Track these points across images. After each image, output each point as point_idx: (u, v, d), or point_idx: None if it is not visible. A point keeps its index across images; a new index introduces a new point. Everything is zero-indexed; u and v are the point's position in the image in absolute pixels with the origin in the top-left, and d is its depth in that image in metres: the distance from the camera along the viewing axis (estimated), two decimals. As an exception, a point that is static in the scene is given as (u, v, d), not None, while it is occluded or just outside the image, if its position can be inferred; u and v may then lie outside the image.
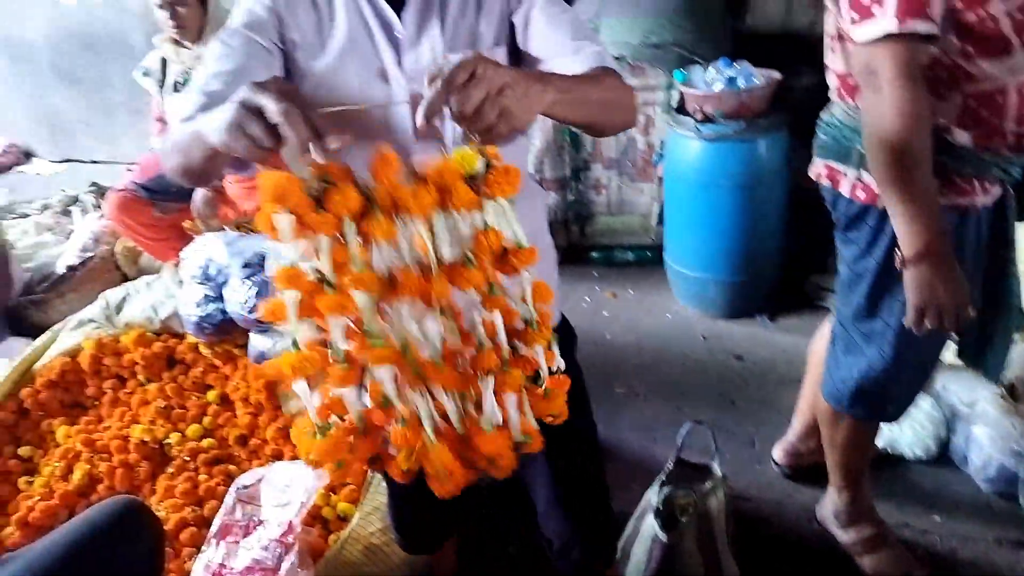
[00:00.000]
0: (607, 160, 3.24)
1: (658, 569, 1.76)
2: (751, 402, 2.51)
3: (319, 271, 0.81)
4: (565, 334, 1.40)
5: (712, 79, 2.61)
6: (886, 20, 1.22)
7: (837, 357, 1.75)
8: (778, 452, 2.23)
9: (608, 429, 2.38)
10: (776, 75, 2.64)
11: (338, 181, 0.80)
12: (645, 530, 1.82)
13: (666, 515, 1.77)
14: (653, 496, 1.83)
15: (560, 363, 0.98)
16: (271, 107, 0.78)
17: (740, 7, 3.06)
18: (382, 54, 1.15)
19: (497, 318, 0.89)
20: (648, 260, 3.35)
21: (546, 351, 0.94)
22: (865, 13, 1.26)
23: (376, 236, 0.81)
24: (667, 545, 1.74)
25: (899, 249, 1.37)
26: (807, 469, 2.17)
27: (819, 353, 1.95)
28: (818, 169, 1.64)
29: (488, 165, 0.85)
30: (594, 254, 3.44)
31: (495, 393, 0.88)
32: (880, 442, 2.21)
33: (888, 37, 1.23)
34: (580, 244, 3.41)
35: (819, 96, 2.98)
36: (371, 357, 0.83)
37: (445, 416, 0.89)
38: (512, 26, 1.19)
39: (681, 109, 2.76)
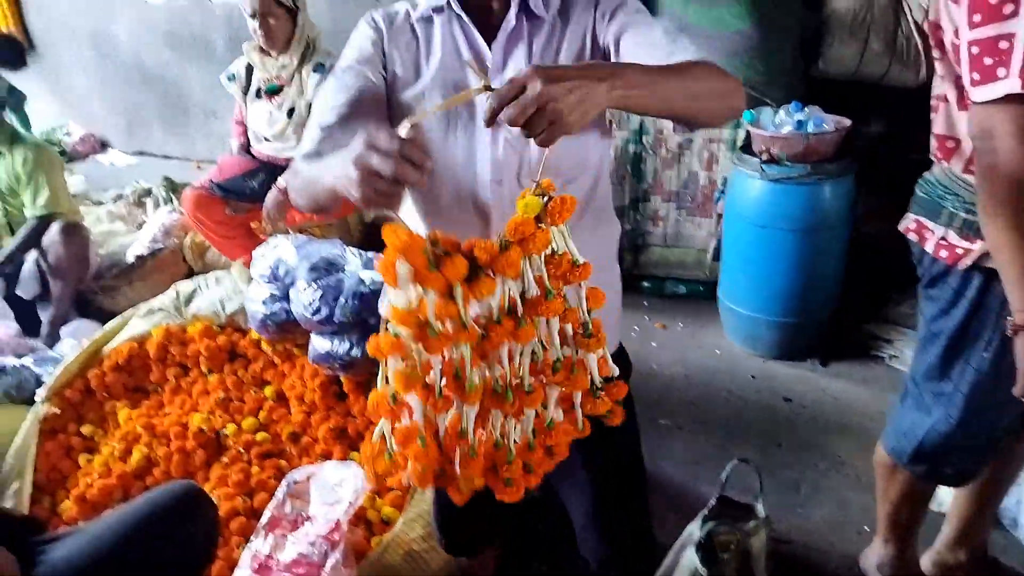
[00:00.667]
0: (667, 193, 3.27)
1: (696, 604, 1.77)
2: (798, 446, 2.49)
3: (425, 317, 0.91)
4: (622, 363, 1.43)
5: (781, 121, 2.63)
6: (1010, 80, 1.21)
7: (904, 411, 1.74)
8: (926, 563, 2.01)
9: (650, 460, 2.35)
10: (846, 122, 2.64)
11: (451, 251, 0.91)
12: (684, 563, 1.82)
13: (708, 550, 1.77)
14: (695, 530, 1.83)
15: (614, 370, 1.05)
16: (384, 166, 0.85)
17: (813, 52, 3.07)
18: (469, 81, 1.22)
19: (567, 328, 0.98)
20: (700, 294, 3.36)
21: (600, 359, 1.01)
22: (988, 74, 1.25)
23: (481, 294, 0.91)
24: (707, 581, 1.75)
25: (1009, 316, 1.34)
26: None
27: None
28: (908, 224, 1.65)
29: (547, 198, 0.92)
30: (645, 284, 3.46)
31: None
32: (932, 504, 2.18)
33: (1009, 97, 1.22)
34: (632, 273, 3.44)
35: (887, 145, 2.99)
36: (465, 399, 0.93)
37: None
38: (599, 46, 1.22)
39: (747, 148, 2.78)
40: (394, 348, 0.92)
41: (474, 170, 1.23)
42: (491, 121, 0.90)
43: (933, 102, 1.54)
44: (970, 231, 1.46)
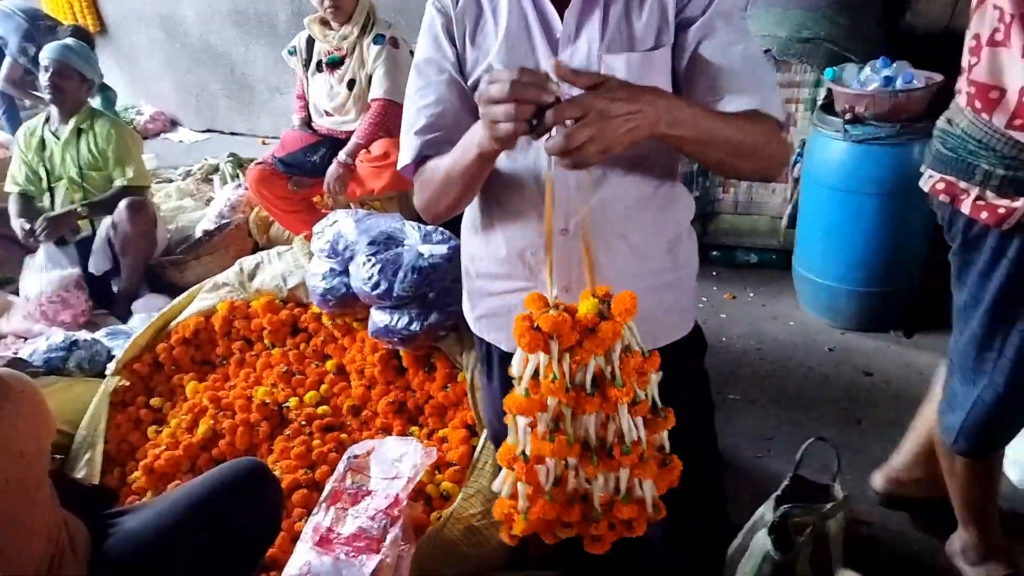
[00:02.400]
0: (738, 157, 3.11)
1: (769, 588, 1.68)
2: (880, 423, 2.35)
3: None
4: (696, 342, 1.36)
5: (867, 78, 2.45)
6: None
7: (949, 388, 1.64)
8: (878, 478, 2.07)
9: (721, 436, 2.26)
10: (937, 77, 2.44)
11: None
12: (756, 546, 1.73)
13: (781, 532, 1.68)
14: (768, 512, 1.75)
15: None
16: (505, 96, 0.89)
17: (900, 4, 2.85)
18: (538, 51, 1.15)
19: (638, 421, 1.04)
20: (772, 263, 3.21)
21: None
22: None
23: (580, 362, 1.01)
24: (779, 564, 1.66)
25: None
26: (905, 501, 2.03)
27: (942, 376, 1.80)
28: (934, 183, 1.51)
29: (606, 303, 1.00)
30: (714, 253, 3.32)
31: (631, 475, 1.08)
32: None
33: None
34: (700, 242, 3.28)
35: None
36: (565, 452, 1.04)
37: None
38: (677, 27, 1.13)
39: (827, 109, 2.61)
40: (523, 408, 1.02)
41: (538, 149, 1.16)
42: (540, 134, 0.91)
43: (971, 43, 1.38)
44: (1010, 188, 1.35)
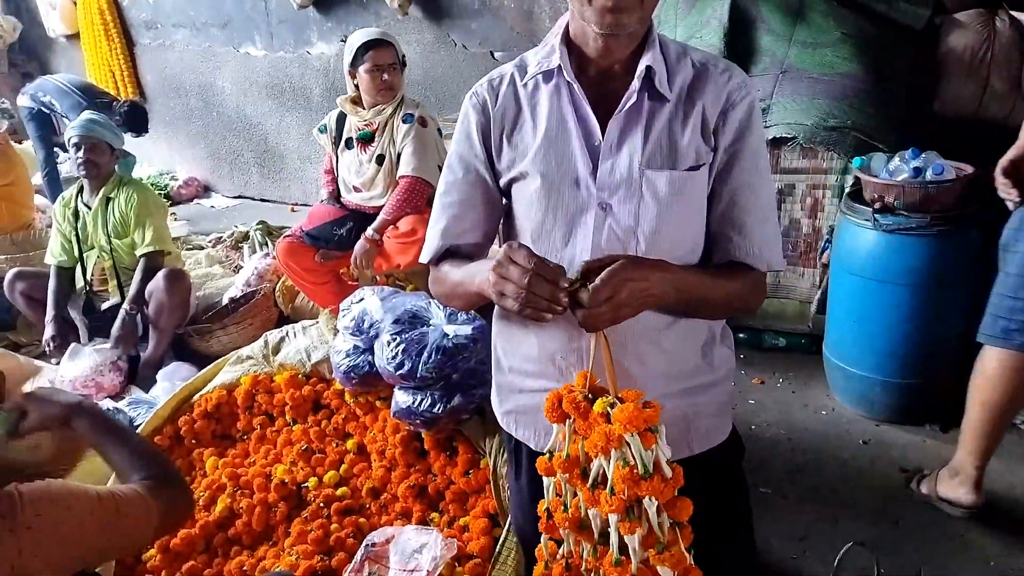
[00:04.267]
0: (766, 241, 3.09)
1: None
2: (917, 524, 2.24)
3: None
4: (734, 447, 1.31)
5: (896, 168, 2.44)
6: None
7: (997, 292, 2.03)
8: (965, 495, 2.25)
9: (751, 532, 2.20)
10: (967, 168, 2.43)
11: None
12: (793, 659, 1.64)
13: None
14: (806, 621, 1.66)
15: None
16: (518, 283, 0.99)
17: (928, 94, 2.87)
18: (576, 159, 1.14)
19: (631, 539, 1.02)
20: (801, 348, 3.15)
21: (677, 570, 1.03)
22: None
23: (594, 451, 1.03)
24: None
25: None
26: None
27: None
28: None
29: (612, 404, 1.01)
30: (742, 335, 3.27)
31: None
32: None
33: None
34: (727, 324, 3.25)
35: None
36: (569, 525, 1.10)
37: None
38: (712, 149, 1.15)
39: (856, 196, 2.59)
40: (548, 471, 1.10)
41: (572, 256, 1.15)
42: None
43: None
44: None
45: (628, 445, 0.98)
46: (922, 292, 2.43)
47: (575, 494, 1.09)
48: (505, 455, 2.02)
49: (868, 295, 2.53)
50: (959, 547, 2.15)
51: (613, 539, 1.03)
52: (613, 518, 1.00)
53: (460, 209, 1.23)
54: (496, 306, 1.33)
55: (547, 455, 1.10)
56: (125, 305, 3.20)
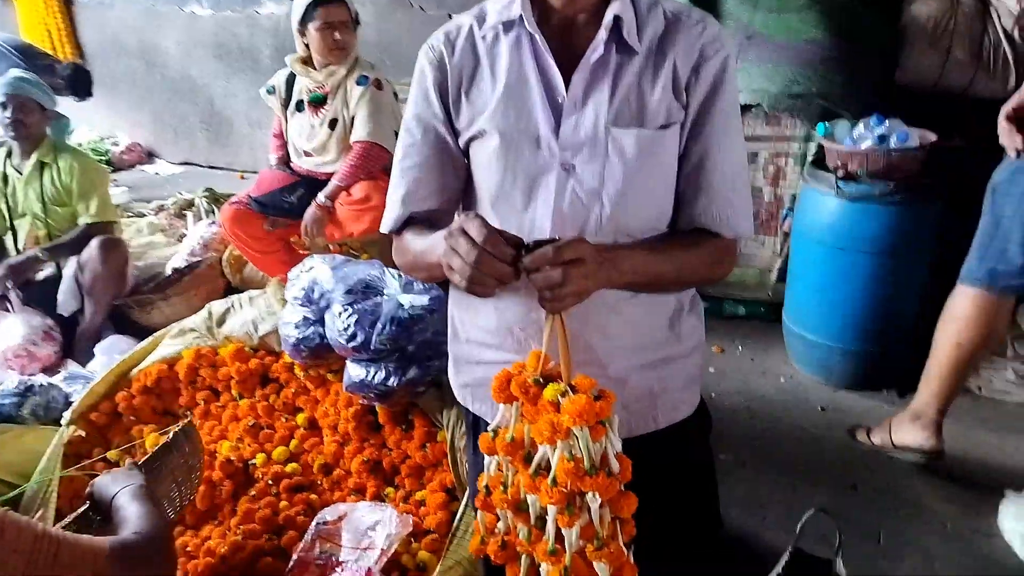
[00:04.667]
0: (727, 208, 3.06)
1: (770, 675, 1.57)
2: (876, 488, 2.25)
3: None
4: (702, 421, 1.26)
5: (859, 135, 2.40)
6: None
7: (983, 241, 2.05)
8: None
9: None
10: (931, 136, 2.41)
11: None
12: (757, 631, 1.62)
13: (784, 616, 1.57)
14: (769, 592, 1.64)
15: None
16: (466, 259, 0.91)
17: (892, 61, 2.83)
18: (537, 116, 1.06)
19: (569, 533, 0.96)
20: (761, 316, 3.13)
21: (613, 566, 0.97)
22: None
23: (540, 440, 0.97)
24: (784, 653, 1.55)
25: None
26: None
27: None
28: None
29: (564, 393, 0.95)
30: (702, 304, 3.24)
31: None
32: None
33: None
34: (696, 293, 3.22)
35: (974, 162, 2.73)
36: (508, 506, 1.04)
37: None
38: (683, 108, 1.08)
39: (819, 164, 2.56)
40: (490, 449, 1.03)
41: (532, 219, 1.07)
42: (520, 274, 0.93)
43: None
44: None
45: (576, 438, 0.92)
46: (883, 260, 2.42)
47: (513, 477, 1.04)
48: (463, 428, 1.95)
49: (829, 263, 2.51)
50: (917, 510, 2.16)
51: (550, 528, 0.97)
52: (552, 509, 0.95)
53: (421, 173, 1.15)
54: None
55: (491, 433, 1.03)
56: (37, 249, 3.06)
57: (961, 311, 2.09)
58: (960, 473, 2.26)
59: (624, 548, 0.95)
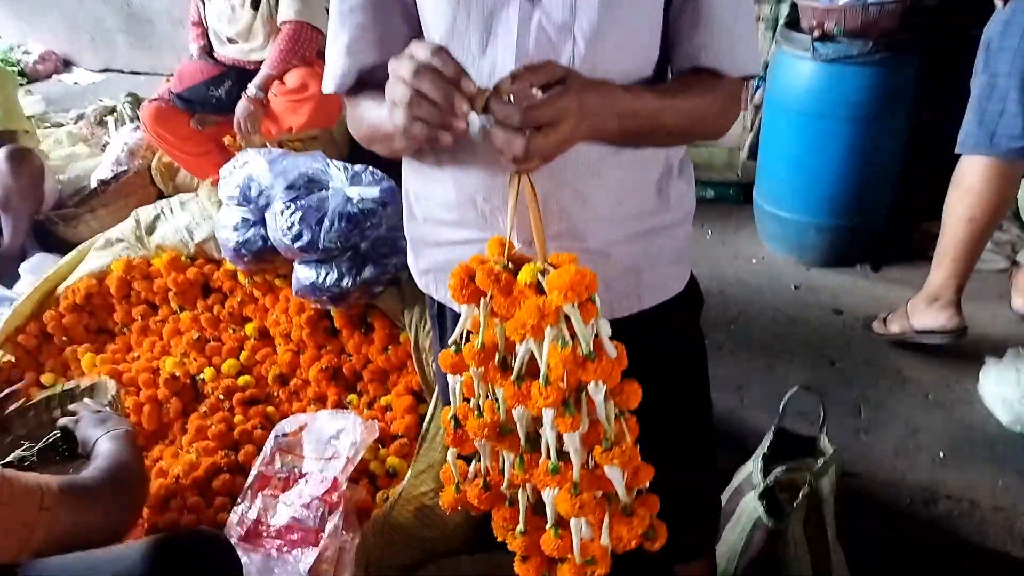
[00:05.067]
0: (692, 84, 2.88)
1: (759, 556, 1.53)
2: (854, 363, 2.20)
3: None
4: (692, 296, 1.13)
5: (836, -11, 2.22)
6: None
7: (979, 105, 1.90)
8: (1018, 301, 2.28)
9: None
10: (911, -13, 2.24)
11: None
12: (745, 511, 1.56)
13: (772, 497, 1.51)
14: (756, 473, 1.57)
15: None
16: (407, 81, 0.74)
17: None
18: None
19: (571, 438, 0.83)
20: (730, 199, 3.02)
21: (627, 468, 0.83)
22: None
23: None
24: (773, 531, 1.49)
25: None
26: None
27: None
28: None
29: (543, 272, 0.81)
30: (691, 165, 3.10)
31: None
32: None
33: None
34: (686, 155, 3.07)
35: (954, 17, 2.57)
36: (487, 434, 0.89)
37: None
38: None
39: (793, 26, 2.37)
40: (455, 367, 0.88)
41: (492, 63, 0.89)
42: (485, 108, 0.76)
43: None
44: None
45: (566, 320, 0.77)
46: (861, 127, 2.29)
47: (489, 395, 0.88)
48: (428, 327, 1.81)
49: (804, 132, 2.37)
50: (897, 383, 2.12)
51: (549, 439, 0.83)
52: (548, 414, 0.80)
53: (364, 17, 0.95)
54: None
55: (452, 347, 0.87)
56: None
57: (969, 183, 1.94)
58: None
59: (634, 447, 0.83)
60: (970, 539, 1.68)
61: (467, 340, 0.86)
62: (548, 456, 0.84)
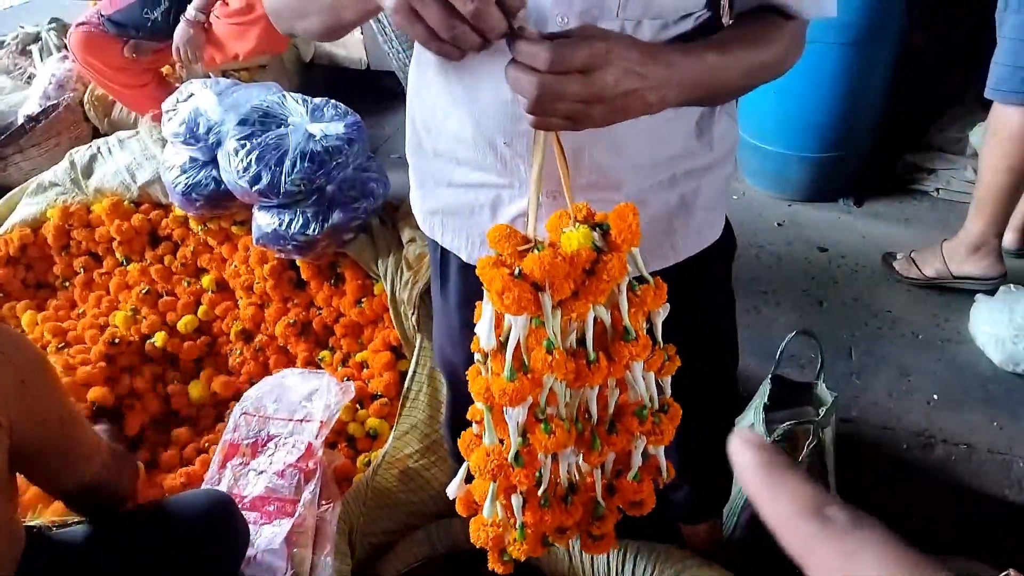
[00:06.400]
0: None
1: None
2: (842, 303, 2.14)
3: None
4: (727, 244, 1.02)
5: None
6: None
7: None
8: (1011, 236, 2.18)
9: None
10: None
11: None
12: (746, 465, 1.50)
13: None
14: (758, 425, 1.50)
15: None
16: None
17: None
18: None
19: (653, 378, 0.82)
20: (707, 131, 2.89)
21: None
22: None
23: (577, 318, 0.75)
24: (776, 485, 1.43)
25: None
26: None
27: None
28: None
29: (601, 227, 0.73)
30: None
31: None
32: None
33: None
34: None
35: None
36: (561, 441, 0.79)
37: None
38: None
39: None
40: (516, 395, 0.73)
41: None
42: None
43: None
44: None
45: (634, 259, 0.75)
46: (849, 51, 2.16)
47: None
48: (404, 277, 1.68)
49: (793, 59, 2.24)
50: (886, 323, 2.07)
51: (643, 388, 0.80)
52: (638, 368, 0.77)
53: None
54: (412, 62, 0.91)
55: (508, 372, 0.72)
56: None
57: (1008, 131, 1.83)
58: (924, 280, 2.17)
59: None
60: (969, 484, 1.65)
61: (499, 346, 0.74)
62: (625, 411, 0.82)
